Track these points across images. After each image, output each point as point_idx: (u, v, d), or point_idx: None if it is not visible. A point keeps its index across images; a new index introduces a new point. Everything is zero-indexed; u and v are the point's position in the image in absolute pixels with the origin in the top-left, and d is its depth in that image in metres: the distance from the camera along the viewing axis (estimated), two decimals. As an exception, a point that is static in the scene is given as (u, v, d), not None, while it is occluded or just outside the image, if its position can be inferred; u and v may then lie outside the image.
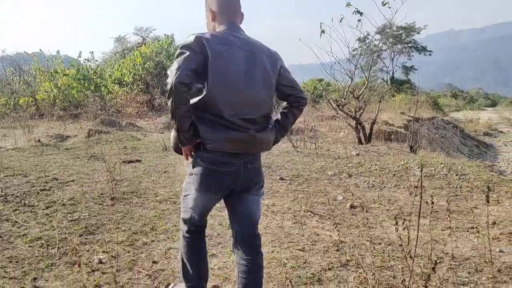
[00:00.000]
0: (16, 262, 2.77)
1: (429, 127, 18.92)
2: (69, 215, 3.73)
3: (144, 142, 8.89)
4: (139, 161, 6.49)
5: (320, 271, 2.70)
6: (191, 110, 1.78)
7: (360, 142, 9.08)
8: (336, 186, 5.20)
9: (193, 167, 1.94)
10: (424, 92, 33.43)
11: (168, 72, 1.72)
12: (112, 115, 15.14)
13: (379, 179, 5.53)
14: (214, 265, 2.76)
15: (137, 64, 18.83)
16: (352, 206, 4.22)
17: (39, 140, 7.96)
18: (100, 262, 2.77)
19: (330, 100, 9.46)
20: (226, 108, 1.79)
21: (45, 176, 5.11)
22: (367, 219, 3.81)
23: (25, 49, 18.90)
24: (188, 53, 1.73)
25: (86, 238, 3.20)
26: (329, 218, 3.84)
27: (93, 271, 2.65)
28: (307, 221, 3.72)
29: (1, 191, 4.35)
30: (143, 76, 18.76)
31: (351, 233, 3.43)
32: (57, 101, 17.76)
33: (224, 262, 2.80)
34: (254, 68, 1.86)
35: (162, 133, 11.00)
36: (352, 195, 4.61)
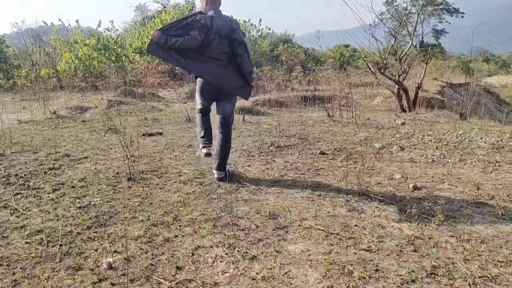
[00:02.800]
0: (7, 265, 2.18)
1: (460, 92, 17.64)
2: (78, 200, 3.14)
3: (166, 113, 8.27)
4: (161, 133, 5.86)
5: (401, 284, 1.99)
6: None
7: (402, 109, 8.17)
8: (388, 161, 4.43)
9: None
10: (454, 56, 31.40)
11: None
12: (133, 85, 14.60)
13: (438, 152, 4.71)
14: (256, 273, 2.09)
15: (157, 31, 18.03)
16: (415, 188, 3.46)
17: (54, 112, 7.44)
18: (110, 267, 2.15)
19: (369, 64, 8.49)
20: None
21: (56, 152, 4.55)
22: (440, 204, 3.06)
23: (44, 19, 18.17)
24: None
25: (95, 232, 2.59)
26: (392, 203, 3.10)
27: (100, 280, 2.04)
28: (364, 208, 3.00)
29: (4, 171, 3.81)
30: (164, 44, 17.97)
31: (425, 225, 2.69)
32: (78, 72, 17.33)
33: (270, 269, 2.13)
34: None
35: (185, 103, 10.35)
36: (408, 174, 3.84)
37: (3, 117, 7.64)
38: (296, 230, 2.59)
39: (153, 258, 2.23)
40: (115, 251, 2.32)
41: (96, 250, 2.35)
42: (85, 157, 4.40)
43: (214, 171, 3.65)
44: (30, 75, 17.10)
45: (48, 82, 16.62)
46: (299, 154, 4.70)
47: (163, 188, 3.44)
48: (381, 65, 7.84)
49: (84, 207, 3.01)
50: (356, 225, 2.67)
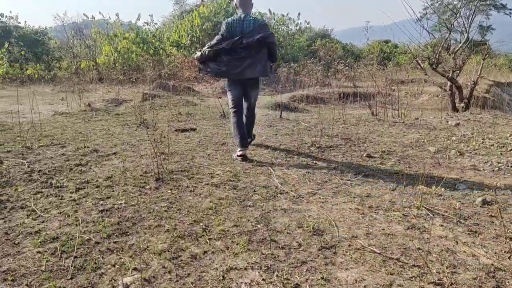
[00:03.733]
0: (12, 280, 1.91)
1: (508, 92, 16.38)
2: (101, 202, 2.86)
3: (200, 108, 8.00)
4: (194, 129, 5.56)
5: (490, 337, 1.54)
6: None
7: (455, 109, 7.48)
8: (446, 168, 3.90)
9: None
10: (501, 54, 29.43)
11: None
12: (169, 79, 14.52)
13: (504, 159, 4.12)
14: (301, 309, 1.70)
15: (195, 25, 17.91)
16: (485, 202, 2.94)
17: (89, 105, 7.34)
18: (127, 289, 1.82)
19: (418, 59, 7.83)
20: None
21: (85, 147, 4.33)
22: (519, 225, 2.54)
23: (85, 12, 18.51)
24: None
25: (115, 242, 2.28)
26: (459, 221, 2.61)
27: (114, 307, 1.72)
28: (426, 226, 2.53)
29: (28, 166, 3.61)
30: (201, 38, 17.82)
31: (505, 252, 2.20)
32: (116, 65, 17.51)
33: (317, 305, 1.73)
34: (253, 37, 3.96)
35: (220, 97, 10.07)
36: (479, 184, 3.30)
37: (41, 108, 7.65)
38: (346, 252, 2.18)
39: (177, 281, 1.89)
40: (135, 268, 1.99)
41: (114, 266, 2.03)
42: (114, 153, 4.15)
43: (239, 149, 4.05)
44: (71, 67, 17.45)
45: (88, 74, 16.90)
46: (343, 157, 4.26)
47: (193, 191, 3.11)
48: (433, 60, 7.18)
49: (107, 210, 2.72)
50: (419, 249, 2.22)
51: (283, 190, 3.14)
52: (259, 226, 2.48)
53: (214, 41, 4.06)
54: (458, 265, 2.06)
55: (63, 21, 19.68)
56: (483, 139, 4.99)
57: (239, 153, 3.98)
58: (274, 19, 20.38)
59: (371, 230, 2.45)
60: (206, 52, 4.03)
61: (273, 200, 2.94)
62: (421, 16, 7.52)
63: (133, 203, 2.84)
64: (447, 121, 6.45)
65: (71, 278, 1.92)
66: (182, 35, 18.35)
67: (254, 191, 3.13)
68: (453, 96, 7.55)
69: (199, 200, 2.93)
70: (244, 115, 4.26)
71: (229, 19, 4.06)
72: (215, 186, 3.23)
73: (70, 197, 2.95)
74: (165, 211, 2.72)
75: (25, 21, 54.59)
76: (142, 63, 17.38)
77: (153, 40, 18.81)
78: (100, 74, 16.94)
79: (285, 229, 2.43)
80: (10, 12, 22.13)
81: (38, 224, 2.51)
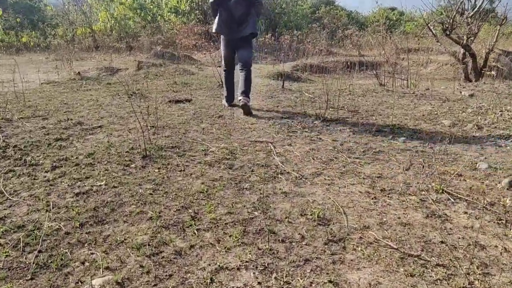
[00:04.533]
0: (-39, 281, 1.61)
1: None
2: (78, 183, 2.53)
3: (198, 77, 7.57)
4: (189, 100, 5.18)
5: None
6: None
7: (467, 78, 7.04)
8: (464, 144, 3.54)
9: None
10: (509, 22, 28.38)
11: None
12: (167, 46, 13.97)
13: (527, 134, 3.75)
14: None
15: (194, -11, 17.11)
16: (512, 184, 2.60)
17: (79, 73, 6.92)
18: (95, 295, 1.52)
19: (429, 24, 7.30)
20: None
21: (68, 119, 3.98)
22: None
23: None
24: None
25: (88, 233, 1.97)
26: (485, 207, 2.28)
27: (77, 318, 1.41)
28: (448, 213, 2.21)
29: (3, 141, 3.27)
30: (200, 4, 17.08)
31: (543, 247, 1.88)
32: (113, 32, 16.87)
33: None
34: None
35: (219, 66, 9.61)
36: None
37: (33, 77, 7.25)
38: (357, 246, 1.86)
39: (155, 285, 1.58)
40: (107, 267, 1.69)
41: (83, 263, 1.72)
42: (99, 127, 3.80)
43: (240, 97, 4.44)
44: (67, 34, 16.82)
45: (84, 42, 16.31)
46: (350, 131, 3.90)
47: (184, 170, 2.78)
48: (447, 25, 6.67)
49: (83, 193, 2.40)
50: (442, 242, 1.90)
51: (284, 170, 2.80)
52: (256, 213, 2.16)
53: None
54: (491, 263, 1.74)
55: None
56: (501, 111, 4.61)
57: (225, 103, 4.87)
58: (277, -16, 19.49)
59: (384, 219, 2.12)
60: (210, 2, 4.59)
61: (273, 181, 2.61)
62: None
63: (114, 184, 2.52)
64: (460, 92, 6.03)
65: (31, 279, 1.62)
66: (180, 1, 17.58)
67: (252, 171, 2.79)
68: (466, 65, 7.09)
69: (189, 181, 2.60)
70: (240, 71, 4.62)
71: None
72: (208, 165, 2.90)
73: (45, 176, 2.63)
74: (150, 194, 2.39)
75: (20, -13, 52.65)
76: (140, 30, 16.74)
77: (151, 6, 18.06)
78: (96, 41, 16.34)
79: (286, 218, 2.11)
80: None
81: (4, 209, 2.20)
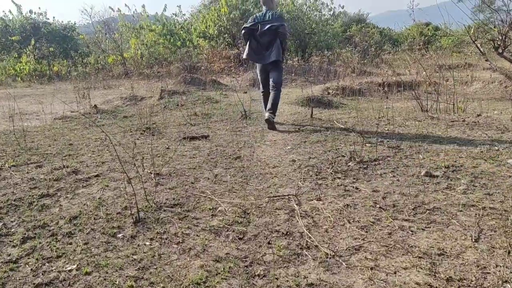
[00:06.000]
0: None
1: None
2: (45, 266, 1.98)
3: (221, 106, 7.07)
4: (206, 137, 4.64)
5: None
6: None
7: (525, 101, 6.12)
8: (545, 196, 2.75)
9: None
10: None
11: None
12: (195, 72, 13.72)
13: None
14: None
15: (222, 14, 16.93)
16: None
17: (95, 106, 6.58)
18: None
19: (477, 42, 6.49)
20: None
21: (64, 166, 3.51)
22: None
23: (111, 5, 18.06)
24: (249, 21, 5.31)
25: None
26: None
27: None
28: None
29: (-21, 200, 2.80)
30: (228, 27, 16.85)
31: None
32: (143, 58, 16.90)
33: None
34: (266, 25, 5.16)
35: (245, 92, 9.12)
36: None
37: (57, 108, 7.00)
38: None
39: None
40: None
41: None
42: (97, 176, 3.29)
43: (266, 113, 5.05)
44: (99, 62, 17.00)
45: (114, 69, 16.41)
46: (393, 176, 3.19)
47: (182, 243, 2.18)
48: (499, 43, 5.85)
49: (45, 285, 1.84)
50: None
51: (311, 242, 2.14)
52: (268, 327, 1.51)
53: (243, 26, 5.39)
54: None
55: (90, 16, 19.31)
56: None
57: (266, 116, 5.10)
58: (306, 5, 19.05)
59: None
60: (242, 33, 5.32)
61: (296, 263, 1.96)
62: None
63: (88, 269, 1.94)
64: (521, 118, 5.17)
65: None
66: (209, 25, 17.44)
67: (269, 243, 2.16)
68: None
69: (185, 262, 1.99)
70: (271, 91, 5.25)
71: (255, 14, 5.36)
72: (214, 232, 2.29)
73: (9, 255, 2.10)
74: (130, 286, 1.80)
75: (54, 17, 55.65)
76: (169, 55, 16.68)
77: (181, 32, 18.05)
78: (126, 68, 16.39)
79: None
80: (39, 8, 22.01)
81: None
